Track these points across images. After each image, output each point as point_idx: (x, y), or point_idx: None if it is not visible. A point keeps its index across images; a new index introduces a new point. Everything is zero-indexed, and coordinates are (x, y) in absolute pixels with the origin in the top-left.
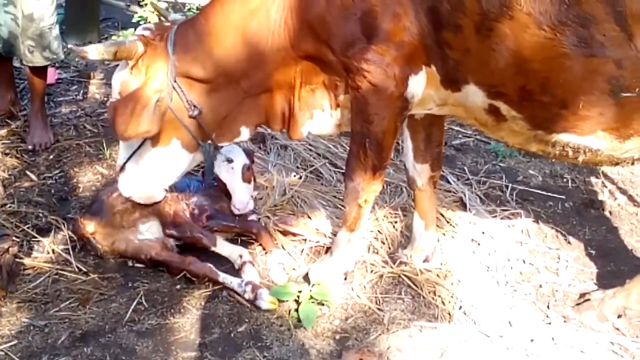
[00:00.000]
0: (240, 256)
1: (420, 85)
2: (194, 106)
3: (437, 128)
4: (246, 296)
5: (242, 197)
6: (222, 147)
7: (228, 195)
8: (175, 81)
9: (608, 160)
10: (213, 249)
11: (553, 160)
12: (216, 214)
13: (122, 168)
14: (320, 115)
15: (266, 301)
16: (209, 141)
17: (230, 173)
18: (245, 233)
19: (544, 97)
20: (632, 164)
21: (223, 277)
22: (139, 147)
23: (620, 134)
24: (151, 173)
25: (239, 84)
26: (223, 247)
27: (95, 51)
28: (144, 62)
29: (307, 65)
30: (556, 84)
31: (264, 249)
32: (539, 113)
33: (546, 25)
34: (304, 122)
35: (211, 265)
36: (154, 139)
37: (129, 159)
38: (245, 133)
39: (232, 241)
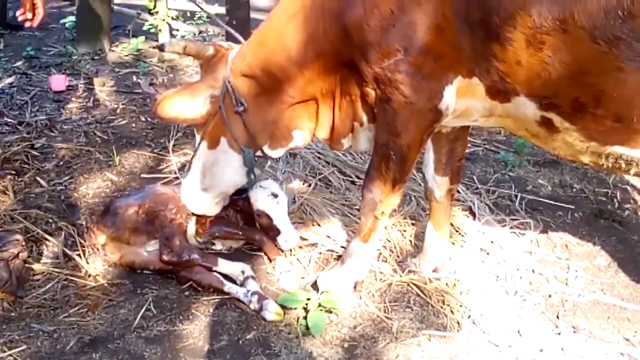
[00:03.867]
0: (243, 272)
1: (453, 96)
2: (240, 103)
3: (460, 143)
4: (252, 306)
5: (291, 231)
6: (269, 156)
7: (273, 231)
8: (228, 81)
9: None
10: (215, 268)
11: (605, 172)
12: (219, 220)
13: (187, 170)
14: (358, 128)
15: (271, 312)
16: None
17: (276, 208)
18: (248, 241)
19: (598, 110)
20: None
21: (229, 287)
22: (196, 151)
23: None
24: (205, 176)
25: (283, 88)
26: (224, 265)
27: (169, 44)
28: (211, 65)
29: (346, 74)
30: (610, 98)
31: (267, 257)
32: (592, 125)
33: (600, 39)
34: (345, 133)
35: (218, 275)
36: (208, 140)
37: (190, 162)
38: (299, 137)
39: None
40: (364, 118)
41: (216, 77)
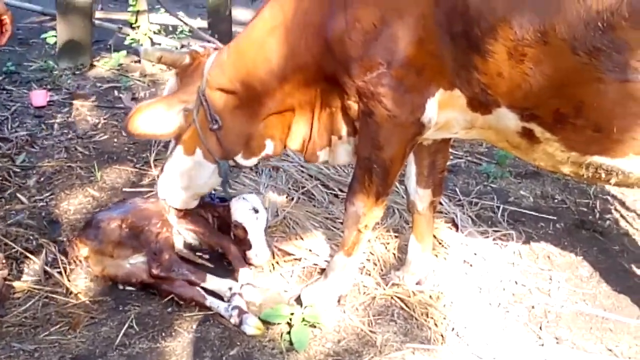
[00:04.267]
0: (230, 288)
1: (436, 109)
2: (215, 120)
3: (442, 155)
4: (232, 321)
5: (264, 249)
6: (242, 165)
7: (244, 244)
8: (203, 95)
9: (639, 183)
10: (202, 284)
11: (585, 182)
12: (196, 217)
13: (162, 169)
14: (337, 142)
15: (251, 326)
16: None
17: (254, 223)
18: (214, 245)
19: (578, 120)
20: None
21: (210, 301)
22: (171, 152)
23: None
24: (180, 177)
25: (262, 101)
26: (212, 281)
27: (146, 52)
28: (187, 75)
29: (327, 87)
30: (590, 108)
31: (232, 267)
32: (573, 136)
33: (581, 51)
34: (321, 145)
35: (199, 289)
36: (184, 147)
37: (165, 162)
38: (270, 146)
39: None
40: (344, 131)
41: (189, 90)
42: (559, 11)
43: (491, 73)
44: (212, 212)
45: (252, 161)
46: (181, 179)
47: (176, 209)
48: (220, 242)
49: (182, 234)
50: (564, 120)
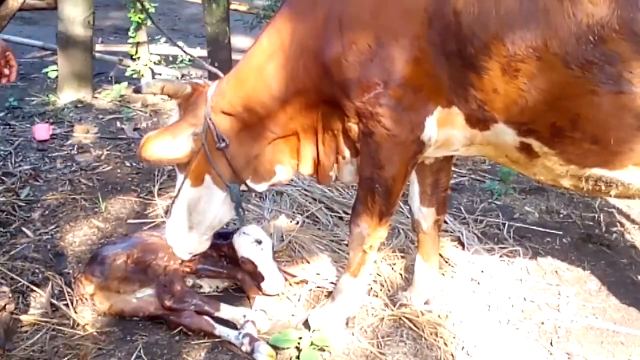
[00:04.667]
0: (244, 316)
1: (435, 127)
2: (222, 139)
3: (444, 173)
4: (243, 349)
5: (276, 278)
6: (253, 189)
7: (256, 277)
8: (209, 118)
9: (639, 194)
10: (217, 314)
11: (586, 195)
12: (204, 259)
13: (169, 212)
14: (341, 162)
15: (263, 354)
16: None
17: (260, 254)
18: (231, 279)
19: (575, 133)
20: None
21: (220, 330)
22: (179, 191)
23: None
24: (191, 214)
25: (265, 124)
26: (226, 310)
27: (145, 85)
28: (190, 104)
29: (327, 110)
30: (586, 120)
31: (247, 297)
32: (571, 149)
33: (573, 64)
34: (330, 166)
35: (207, 319)
36: (192, 177)
37: (173, 203)
38: (281, 172)
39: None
40: (346, 152)
41: (197, 114)
42: (550, 26)
43: (487, 89)
44: (217, 252)
45: (263, 186)
46: (192, 216)
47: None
48: (235, 275)
49: (202, 283)
50: (561, 133)
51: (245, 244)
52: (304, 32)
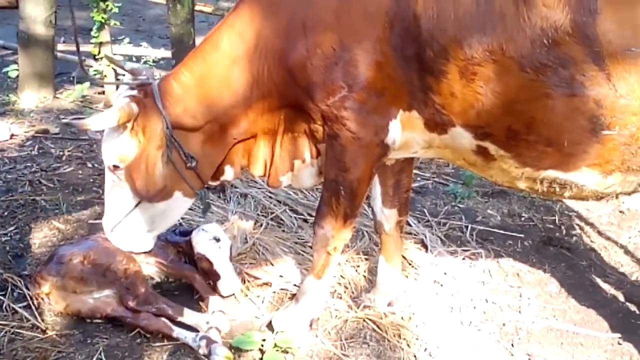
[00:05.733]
0: (207, 322)
1: (399, 130)
2: (191, 157)
3: (406, 174)
4: (200, 351)
5: (232, 278)
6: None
7: (212, 275)
8: (172, 135)
9: (593, 195)
10: (180, 319)
11: (541, 197)
12: (158, 250)
13: (114, 227)
14: (300, 165)
15: (220, 356)
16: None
17: (218, 252)
18: (178, 276)
19: (530, 136)
20: (616, 197)
21: (177, 332)
22: (137, 204)
23: (603, 170)
24: (153, 225)
25: (227, 131)
26: (189, 316)
27: (97, 123)
28: (139, 122)
29: (290, 113)
30: (541, 123)
31: (199, 296)
32: (526, 151)
33: (528, 67)
34: (284, 171)
35: (165, 320)
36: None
37: (125, 216)
38: (229, 172)
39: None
40: (307, 155)
41: (157, 135)
42: (506, 30)
43: (445, 93)
44: (176, 247)
45: (213, 184)
46: (156, 222)
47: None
48: (184, 272)
49: (145, 269)
50: (516, 136)
51: (203, 241)
52: (267, 36)
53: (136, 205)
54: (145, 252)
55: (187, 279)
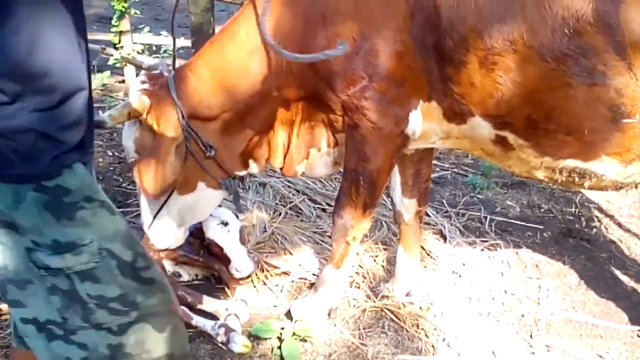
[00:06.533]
0: (227, 309)
1: (419, 120)
2: (210, 147)
3: (425, 164)
4: (219, 339)
5: (242, 259)
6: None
7: (225, 260)
8: (188, 126)
9: (613, 185)
10: (199, 306)
11: (560, 188)
12: (183, 245)
13: (151, 224)
14: (315, 154)
15: (239, 344)
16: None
17: (227, 236)
18: (207, 268)
19: (549, 125)
20: (636, 187)
21: (196, 320)
22: (167, 199)
23: (623, 159)
24: (183, 220)
25: (246, 122)
26: (209, 303)
27: (109, 118)
28: (152, 114)
29: (308, 103)
30: (561, 113)
31: (226, 286)
32: (545, 141)
33: (549, 57)
34: (299, 159)
35: (184, 308)
36: (180, 188)
37: (157, 214)
38: (254, 166)
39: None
40: (323, 144)
41: (172, 125)
42: (527, 19)
43: (464, 83)
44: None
45: (240, 173)
46: (186, 217)
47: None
48: (212, 264)
49: (181, 271)
50: (536, 126)
51: (212, 226)
52: (286, 26)
53: (166, 200)
54: (175, 248)
55: (215, 271)
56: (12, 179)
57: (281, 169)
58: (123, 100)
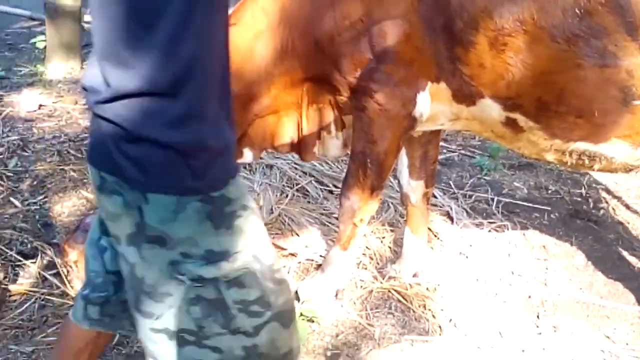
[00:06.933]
0: None
1: (427, 102)
2: None
3: (433, 146)
4: None
5: None
6: None
7: None
8: None
9: (623, 168)
10: None
11: (569, 170)
12: None
13: None
14: (326, 136)
15: None
16: None
17: None
18: None
19: (560, 107)
20: None
21: None
22: None
23: (633, 141)
24: None
25: (248, 107)
26: None
27: None
28: None
29: (313, 86)
30: (571, 94)
31: None
32: (555, 123)
33: (560, 38)
34: (313, 142)
35: None
36: None
37: None
38: (248, 155)
39: None
40: (332, 126)
41: None
42: (537, 0)
43: (474, 64)
44: None
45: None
46: None
47: None
48: None
49: None
50: (546, 108)
51: None
52: (292, 9)
53: None
54: None
55: None
56: (178, 190)
57: (300, 154)
58: None
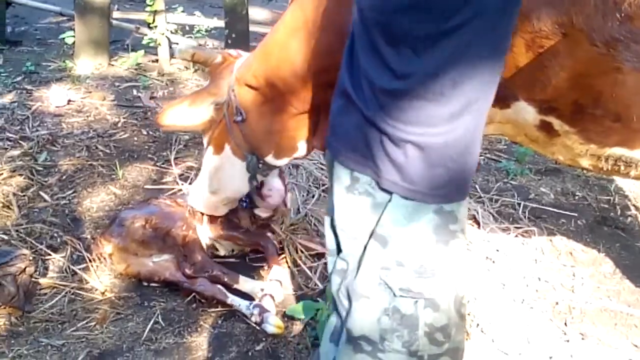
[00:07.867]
0: (262, 289)
1: None
2: (240, 112)
3: None
4: (253, 319)
5: (275, 183)
6: (272, 165)
7: (259, 195)
8: (232, 89)
9: None
10: (235, 286)
11: (597, 176)
12: (229, 223)
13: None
14: None
15: (272, 325)
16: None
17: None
18: (253, 246)
19: (597, 111)
20: None
21: (232, 299)
22: (204, 154)
23: None
24: (211, 180)
25: (287, 100)
26: (245, 283)
27: (178, 51)
28: (217, 73)
29: None
30: (609, 98)
31: (268, 265)
32: (592, 127)
33: (599, 42)
34: None
35: (220, 287)
36: (213, 145)
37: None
38: (302, 148)
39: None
40: None
41: (218, 84)
42: (576, 3)
43: (509, 66)
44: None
45: (284, 161)
46: (212, 182)
47: (205, 214)
48: (256, 241)
49: (218, 246)
50: (583, 111)
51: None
52: (328, 8)
53: (205, 150)
54: (217, 226)
55: (260, 247)
56: (418, 196)
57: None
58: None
